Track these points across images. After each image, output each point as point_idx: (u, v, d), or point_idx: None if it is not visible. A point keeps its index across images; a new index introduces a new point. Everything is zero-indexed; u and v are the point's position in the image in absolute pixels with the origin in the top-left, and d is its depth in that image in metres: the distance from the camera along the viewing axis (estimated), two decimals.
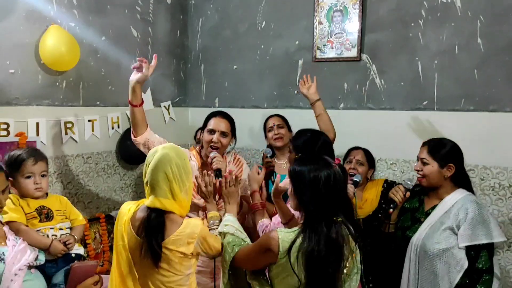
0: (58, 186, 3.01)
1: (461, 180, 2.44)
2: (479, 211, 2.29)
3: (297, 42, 3.61)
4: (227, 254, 2.02)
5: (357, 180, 2.76)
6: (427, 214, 2.45)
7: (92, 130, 3.21)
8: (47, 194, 2.26)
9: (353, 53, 3.37)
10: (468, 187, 2.45)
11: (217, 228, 2.17)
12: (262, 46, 3.77)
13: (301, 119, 3.06)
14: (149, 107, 3.64)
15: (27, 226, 2.06)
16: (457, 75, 3.06)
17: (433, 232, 2.34)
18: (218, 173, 2.46)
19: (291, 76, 3.65)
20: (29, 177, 2.13)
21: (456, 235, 2.29)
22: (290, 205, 2.20)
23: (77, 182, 3.14)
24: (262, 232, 2.29)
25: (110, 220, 3.27)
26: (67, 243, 2.11)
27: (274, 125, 3.22)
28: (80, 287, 1.94)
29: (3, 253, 1.76)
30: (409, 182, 2.51)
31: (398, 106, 3.27)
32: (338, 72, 3.46)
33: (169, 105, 3.90)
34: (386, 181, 3.01)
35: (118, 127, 3.39)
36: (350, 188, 2.53)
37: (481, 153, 2.96)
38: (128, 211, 2.01)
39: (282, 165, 3.14)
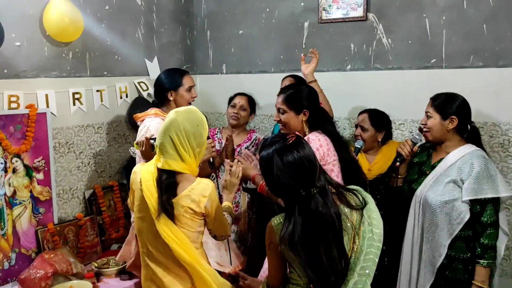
0: (70, 156, 3.07)
1: (470, 135, 2.44)
2: (485, 166, 2.30)
3: (302, 4, 3.55)
4: None
5: (358, 146, 2.77)
6: (433, 167, 2.47)
7: (101, 100, 3.25)
8: None
9: (359, 12, 3.30)
10: (478, 142, 2.45)
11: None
12: (267, 9, 3.71)
13: None
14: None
15: None
16: (465, 31, 2.99)
17: (436, 185, 2.38)
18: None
19: (297, 38, 3.60)
20: None
21: (460, 188, 2.32)
22: None
23: (89, 152, 3.20)
24: None
25: (123, 188, 3.35)
26: None
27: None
28: None
29: None
30: (417, 137, 2.52)
31: (406, 65, 3.21)
32: (344, 32, 3.40)
33: None
34: None
35: (127, 96, 3.42)
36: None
37: (490, 109, 2.91)
38: (152, 173, 2.03)
39: None
